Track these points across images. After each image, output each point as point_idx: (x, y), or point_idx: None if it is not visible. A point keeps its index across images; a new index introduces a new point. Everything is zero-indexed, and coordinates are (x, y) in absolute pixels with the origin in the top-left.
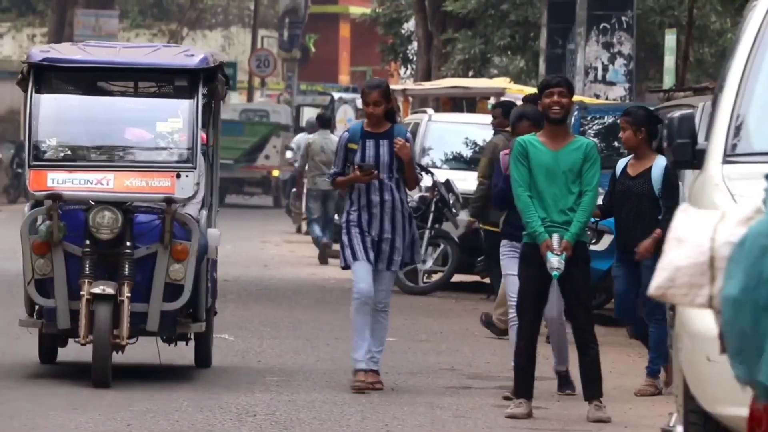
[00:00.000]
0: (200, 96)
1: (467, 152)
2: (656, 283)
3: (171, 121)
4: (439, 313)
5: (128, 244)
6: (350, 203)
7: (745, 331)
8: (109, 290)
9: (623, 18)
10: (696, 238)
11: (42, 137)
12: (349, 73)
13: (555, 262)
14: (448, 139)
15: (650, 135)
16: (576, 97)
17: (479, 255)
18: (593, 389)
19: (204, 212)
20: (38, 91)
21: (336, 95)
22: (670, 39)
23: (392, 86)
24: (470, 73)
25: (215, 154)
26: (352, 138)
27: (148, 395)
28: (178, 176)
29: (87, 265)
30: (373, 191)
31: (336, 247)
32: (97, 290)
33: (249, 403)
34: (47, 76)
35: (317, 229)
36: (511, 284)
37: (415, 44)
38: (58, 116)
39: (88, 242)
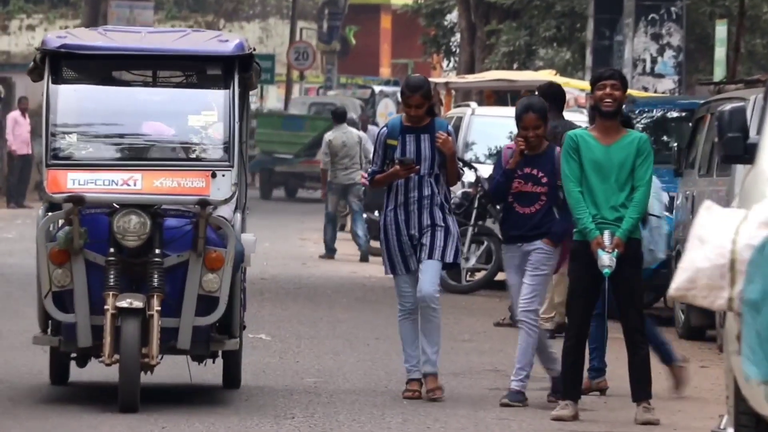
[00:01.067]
0: (236, 86)
1: None
2: (677, 285)
3: (204, 114)
4: (482, 312)
5: (157, 251)
6: (387, 202)
7: (761, 334)
8: (137, 303)
9: (672, 8)
10: (718, 240)
11: (60, 133)
12: (390, 65)
13: (606, 259)
14: (491, 134)
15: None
16: None
17: None
18: (642, 390)
19: (239, 215)
20: (55, 82)
21: (377, 88)
22: (721, 30)
23: (434, 79)
24: (515, 66)
25: (245, 150)
26: (391, 134)
27: (178, 400)
28: (214, 175)
29: (111, 276)
30: (412, 188)
31: (375, 244)
32: (123, 304)
33: (286, 404)
34: (65, 65)
35: (329, 233)
36: (513, 293)
37: (458, 36)
38: (78, 109)
39: (112, 250)
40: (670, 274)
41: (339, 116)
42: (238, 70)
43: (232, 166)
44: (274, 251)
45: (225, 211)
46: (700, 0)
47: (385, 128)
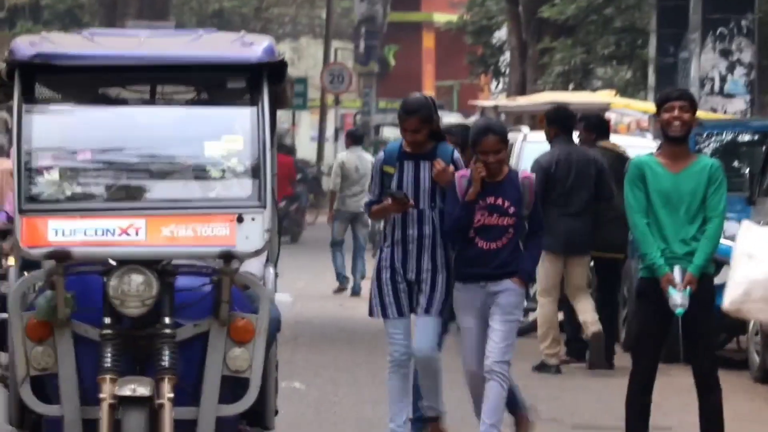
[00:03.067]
0: (266, 102)
1: None
2: (731, 298)
3: (226, 139)
4: (534, 355)
5: (167, 321)
6: (384, 238)
7: None
8: (143, 390)
9: (743, 21)
10: None
11: (37, 168)
12: (434, 87)
13: (678, 298)
14: None
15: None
16: None
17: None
18: None
19: (271, 270)
20: (29, 102)
21: None
22: None
23: (483, 102)
24: (570, 86)
25: (275, 186)
26: (388, 160)
27: None
28: (240, 220)
29: (108, 354)
30: (411, 224)
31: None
32: (124, 391)
33: None
34: (41, 80)
35: (339, 259)
36: (463, 338)
37: (507, 55)
38: (60, 137)
39: (108, 320)
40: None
41: (356, 138)
42: (267, 82)
43: (264, 207)
44: (309, 291)
45: (254, 265)
46: None
47: (382, 153)
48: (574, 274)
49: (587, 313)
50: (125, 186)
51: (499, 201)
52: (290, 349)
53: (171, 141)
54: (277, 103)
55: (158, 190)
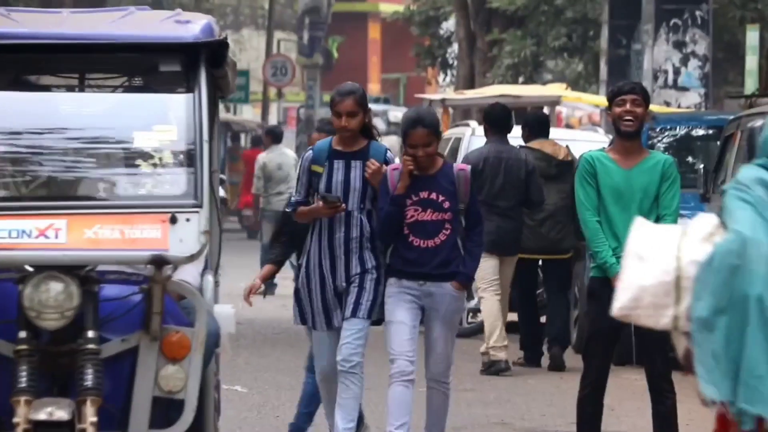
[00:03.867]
0: (204, 87)
1: None
2: (620, 304)
3: (158, 130)
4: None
5: (91, 335)
6: (310, 240)
7: (716, 353)
8: (61, 413)
9: (697, 12)
10: (659, 256)
11: None
12: (380, 80)
13: None
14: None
15: None
16: None
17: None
18: None
19: (210, 278)
20: None
21: None
22: (752, 36)
23: (429, 96)
24: (520, 79)
25: (216, 183)
26: (316, 158)
27: None
28: (174, 220)
29: (23, 373)
30: (338, 226)
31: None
32: (41, 414)
33: None
34: None
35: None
36: (394, 333)
37: (455, 46)
38: None
39: (24, 334)
40: None
41: (276, 136)
42: (206, 65)
43: (200, 206)
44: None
45: (190, 272)
46: (728, 3)
47: (310, 152)
48: (501, 274)
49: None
50: (44, 182)
51: (433, 195)
52: (231, 351)
53: (97, 131)
54: (217, 90)
55: (81, 186)
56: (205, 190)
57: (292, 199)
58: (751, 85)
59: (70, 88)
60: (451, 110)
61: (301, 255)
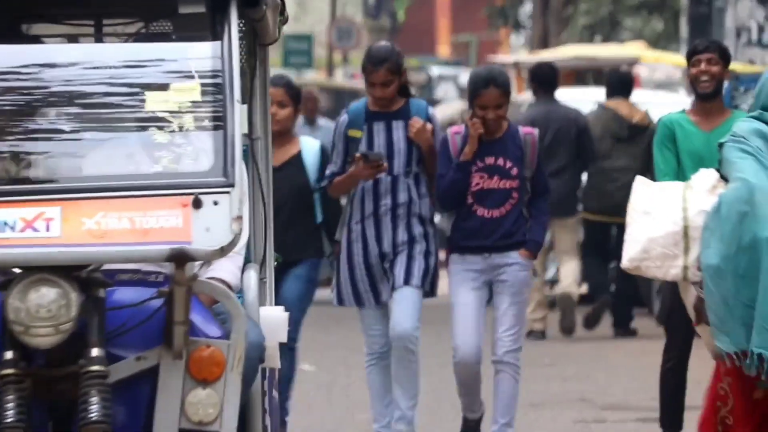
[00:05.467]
0: (234, 33)
1: None
2: (630, 255)
3: (176, 89)
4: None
5: (95, 353)
6: (351, 212)
7: (727, 300)
8: None
9: None
10: (666, 209)
11: None
12: (449, 43)
13: None
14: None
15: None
16: None
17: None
18: None
19: (253, 274)
20: None
21: (435, 71)
22: None
23: (502, 58)
24: (597, 40)
25: (256, 149)
26: (353, 122)
27: None
28: (198, 204)
29: (10, 404)
30: (383, 192)
31: None
32: None
33: None
34: None
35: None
36: (458, 317)
37: (528, 6)
38: None
39: (10, 355)
40: None
41: None
42: (237, 4)
43: (232, 186)
44: None
45: (227, 268)
46: None
47: (345, 116)
48: (558, 239)
49: (567, 278)
50: (32, 159)
51: (500, 161)
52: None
53: (99, 93)
54: (255, 37)
55: (80, 164)
56: (237, 164)
57: (328, 170)
58: None
59: (70, 39)
60: (524, 73)
61: (339, 228)
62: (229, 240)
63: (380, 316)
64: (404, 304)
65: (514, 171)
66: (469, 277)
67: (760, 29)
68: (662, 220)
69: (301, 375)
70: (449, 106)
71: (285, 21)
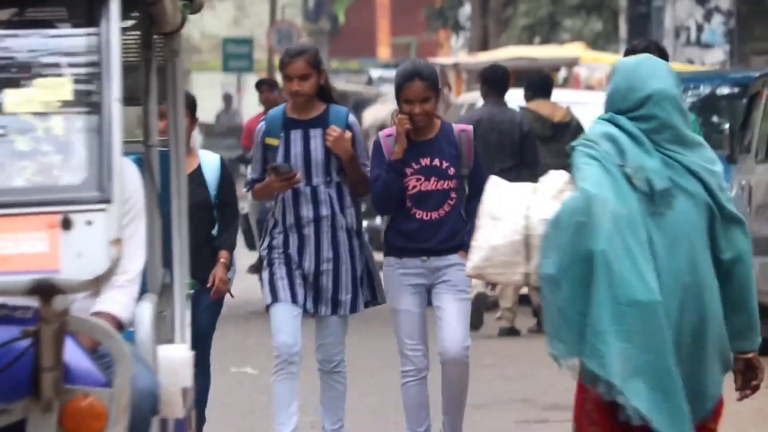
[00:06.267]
0: (115, 17)
1: None
2: (473, 263)
3: (42, 86)
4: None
5: None
6: (273, 222)
7: (563, 309)
8: None
9: None
10: (510, 216)
11: None
12: (390, 45)
13: None
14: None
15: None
16: None
17: None
18: None
19: (148, 306)
20: None
21: (375, 74)
22: None
23: (441, 60)
24: (536, 40)
25: (179, 165)
26: (270, 130)
27: None
28: (67, 224)
29: None
30: (304, 204)
31: None
32: None
33: None
34: None
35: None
36: (402, 324)
37: (468, 7)
38: None
39: None
40: None
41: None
42: None
43: (108, 201)
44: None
45: (115, 300)
46: None
47: (263, 123)
48: None
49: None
50: None
51: (436, 162)
52: (242, 332)
53: None
54: (152, 25)
55: None
56: (116, 177)
57: (249, 176)
58: None
59: None
60: (464, 75)
61: (262, 238)
62: (106, 268)
63: (292, 316)
64: (329, 331)
65: (451, 171)
66: (409, 282)
67: (699, 29)
68: (505, 228)
69: (244, 377)
70: (383, 107)
71: (198, 8)
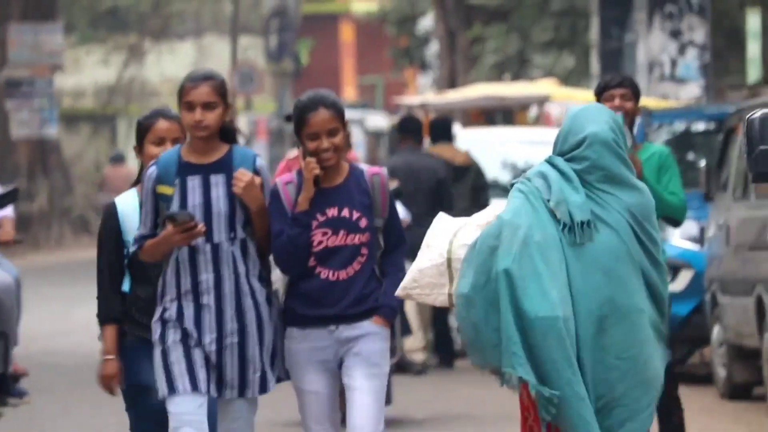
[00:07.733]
0: None
1: (505, 176)
2: (402, 285)
3: None
4: (479, 382)
5: None
6: (164, 290)
7: (477, 325)
8: None
9: None
10: (438, 242)
11: None
12: (355, 85)
13: None
14: (479, 161)
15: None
16: None
17: None
18: None
19: None
20: None
21: None
22: (754, 21)
23: (408, 99)
24: (506, 78)
25: None
26: (162, 176)
27: None
28: None
29: None
30: (203, 265)
31: None
32: None
33: None
34: None
35: None
36: (307, 407)
37: (434, 45)
38: None
39: None
40: (704, 323)
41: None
42: None
43: None
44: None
45: None
46: None
47: (153, 168)
48: None
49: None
50: None
51: (345, 212)
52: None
53: None
54: None
55: None
56: None
57: (137, 233)
58: (753, 73)
59: None
60: (432, 114)
61: (156, 307)
62: None
63: (196, 406)
64: (236, 420)
65: (363, 222)
66: (315, 358)
67: (673, 63)
68: (433, 252)
69: None
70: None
71: None
